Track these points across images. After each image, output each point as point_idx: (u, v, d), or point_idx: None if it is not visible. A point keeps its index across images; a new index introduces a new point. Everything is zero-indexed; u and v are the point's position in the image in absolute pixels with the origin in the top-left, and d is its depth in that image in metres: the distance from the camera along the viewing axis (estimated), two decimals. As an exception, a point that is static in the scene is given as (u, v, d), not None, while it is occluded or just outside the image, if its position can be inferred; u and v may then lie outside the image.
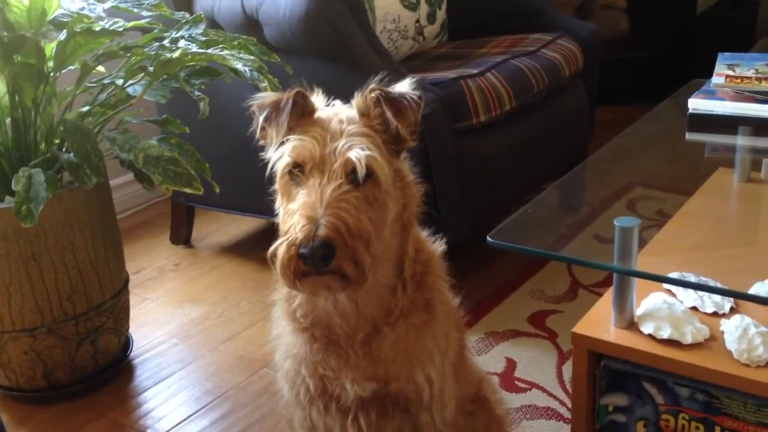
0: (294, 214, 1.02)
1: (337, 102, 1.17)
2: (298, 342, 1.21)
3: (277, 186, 1.11)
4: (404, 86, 1.13)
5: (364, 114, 1.10)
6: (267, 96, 1.14)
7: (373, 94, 1.09)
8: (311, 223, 0.99)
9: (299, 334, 1.20)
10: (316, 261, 0.99)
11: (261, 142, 1.14)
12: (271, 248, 1.05)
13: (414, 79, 1.17)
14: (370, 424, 1.22)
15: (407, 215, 1.16)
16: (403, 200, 1.14)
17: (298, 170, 1.06)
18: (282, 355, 1.26)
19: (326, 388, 1.20)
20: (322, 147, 1.04)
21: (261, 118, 1.11)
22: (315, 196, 1.01)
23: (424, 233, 1.27)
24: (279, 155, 1.08)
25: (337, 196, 1.01)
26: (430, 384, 1.20)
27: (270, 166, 1.11)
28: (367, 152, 1.03)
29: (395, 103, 1.08)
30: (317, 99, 1.15)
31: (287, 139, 1.07)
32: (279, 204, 1.12)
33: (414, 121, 1.10)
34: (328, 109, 1.14)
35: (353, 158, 1.03)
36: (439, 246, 1.28)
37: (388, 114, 1.08)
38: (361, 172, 1.03)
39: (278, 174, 1.09)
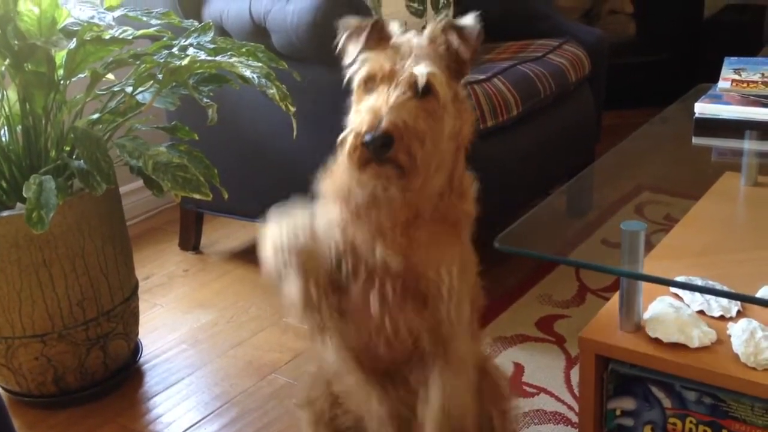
0: (362, 112, 1.20)
1: (413, 30, 1.32)
2: (340, 212, 1.31)
3: (353, 97, 1.28)
4: (469, 19, 1.30)
5: (432, 41, 1.27)
6: (352, 19, 1.33)
7: (441, 23, 1.27)
8: (376, 118, 1.16)
9: (343, 206, 1.31)
10: (377, 148, 1.15)
11: (343, 58, 1.31)
12: (340, 136, 1.21)
13: (477, 13, 1.32)
14: (392, 300, 1.30)
15: (462, 137, 1.31)
16: (460, 122, 1.29)
17: (370, 82, 1.23)
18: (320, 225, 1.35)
19: (356, 250, 1.30)
20: (392, 63, 1.22)
21: (344, 36, 1.31)
22: (381, 100, 1.19)
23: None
24: (355, 69, 1.26)
25: (399, 101, 1.18)
26: (450, 279, 1.31)
27: (346, 79, 1.28)
28: (429, 69, 1.20)
29: (460, 29, 1.27)
30: (394, 28, 1.31)
31: (364, 58, 1.26)
32: (353, 113, 1.28)
33: (474, 45, 1.27)
34: (402, 36, 1.30)
35: (417, 73, 1.19)
36: (474, 188, 1.42)
37: (453, 36, 1.25)
38: (421, 84, 1.19)
39: (354, 85, 1.26)
